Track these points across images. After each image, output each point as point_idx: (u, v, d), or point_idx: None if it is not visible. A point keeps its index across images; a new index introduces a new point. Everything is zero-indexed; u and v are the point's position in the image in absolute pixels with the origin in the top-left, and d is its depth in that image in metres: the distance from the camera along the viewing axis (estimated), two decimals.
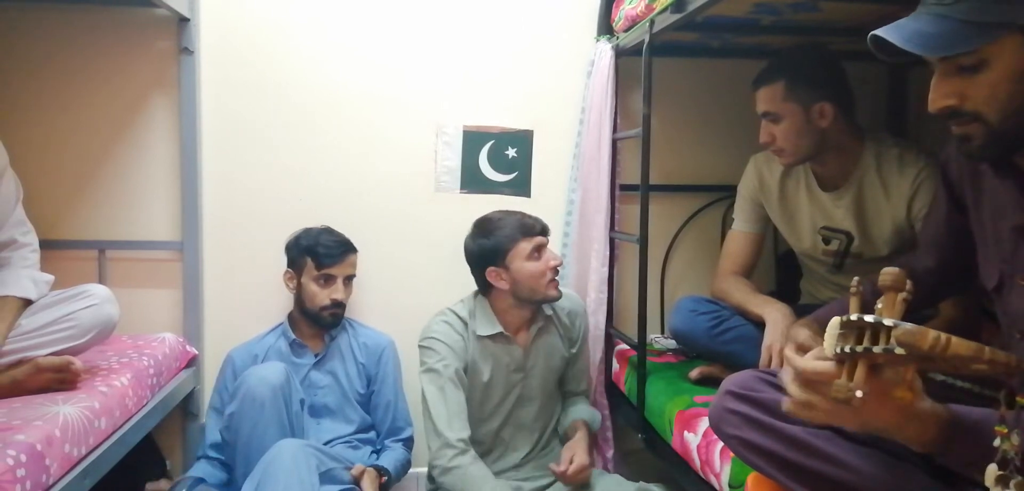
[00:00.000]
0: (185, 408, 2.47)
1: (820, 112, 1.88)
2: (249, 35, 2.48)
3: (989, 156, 1.14)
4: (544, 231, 2.17)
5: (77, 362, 1.85)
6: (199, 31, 2.44)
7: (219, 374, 2.35)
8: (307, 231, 2.35)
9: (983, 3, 1.03)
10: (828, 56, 1.98)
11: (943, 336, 0.92)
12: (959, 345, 0.93)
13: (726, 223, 2.60)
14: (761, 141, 1.97)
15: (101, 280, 2.40)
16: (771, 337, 1.82)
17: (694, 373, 2.09)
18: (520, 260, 2.13)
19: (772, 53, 2.26)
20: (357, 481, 2.09)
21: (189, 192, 2.45)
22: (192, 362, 2.45)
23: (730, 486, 1.53)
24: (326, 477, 2.00)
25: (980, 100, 1.07)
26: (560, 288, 2.21)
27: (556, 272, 2.16)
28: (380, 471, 2.17)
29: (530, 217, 2.19)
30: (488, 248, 2.16)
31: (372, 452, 2.32)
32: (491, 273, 2.16)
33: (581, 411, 2.29)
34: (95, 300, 1.91)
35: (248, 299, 2.52)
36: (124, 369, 2.02)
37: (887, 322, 0.95)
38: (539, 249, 2.14)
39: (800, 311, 2.01)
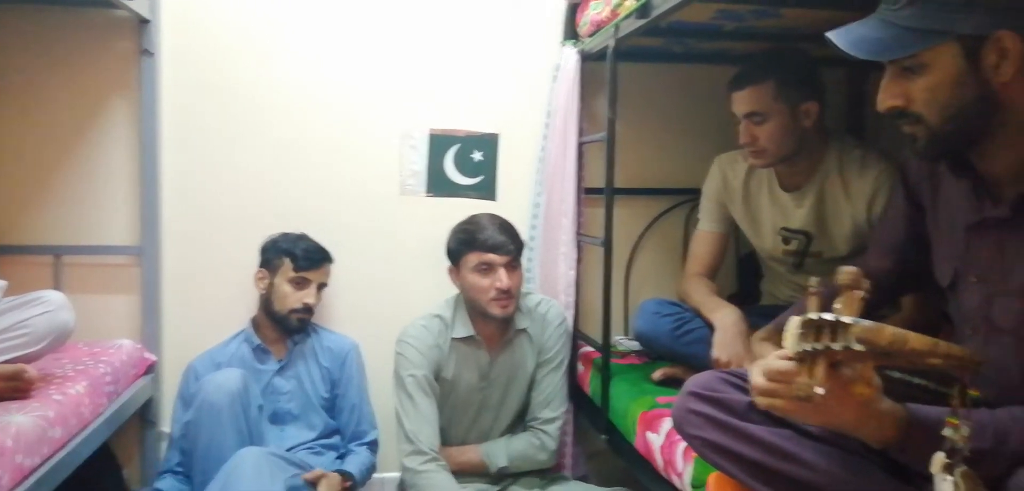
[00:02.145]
0: (143, 416, 2.42)
1: (806, 112, 1.92)
2: (211, 37, 2.45)
3: (933, 155, 1.20)
4: (496, 249, 2.12)
5: (31, 370, 1.80)
6: (160, 33, 2.40)
7: (181, 384, 2.31)
8: (286, 235, 2.34)
9: (925, 11, 1.08)
10: (809, 58, 2.00)
11: (900, 332, 0.95)
12: (915, 340, 0.96)
13: (689, 226, 2.64)
14: (741, 142, 1.98)
15: (57, 286, 2.35)
16: (717, 347, 1.86)
17: (657, 374, 2.10)
18: (467, 270, 2.15)
19: (735, 58, 2.30)
20: (313, 484, 2.07)
21: (148, 196, 2.41)
22: (150, 369, 2.40)
23: (692, 486, 1.55)
24: (291, 484, 1.98)
25: (921, 103, 1.12)
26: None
27: (505, 294, 2.12)
28: (344, 475, 2.16)
29: (493, 232, 2.14)
30: (449, 247, 2.23)
31: (337, 457, 2.30)
32: (451, 271, 2.23)
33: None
34: (50, 306, 1.86)
35: (208, 304, 2.48)
36: (80, 377, 1.97)
37: (846, 320, 0.98)
38: (488, 265, 2.12)
39: (761, 312, 2.04)
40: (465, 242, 2.16)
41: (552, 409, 2.24)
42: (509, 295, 2.14)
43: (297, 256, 2.28)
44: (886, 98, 1.15)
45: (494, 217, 2.21)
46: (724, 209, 2.22)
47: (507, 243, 2.15)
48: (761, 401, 1.12)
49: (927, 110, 1.12)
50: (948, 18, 1.06)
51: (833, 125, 2.23)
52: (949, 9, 1.06)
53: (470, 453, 2.19)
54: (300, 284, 2.29)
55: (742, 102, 1.94)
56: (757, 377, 1.12)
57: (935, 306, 1.65)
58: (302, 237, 2.35)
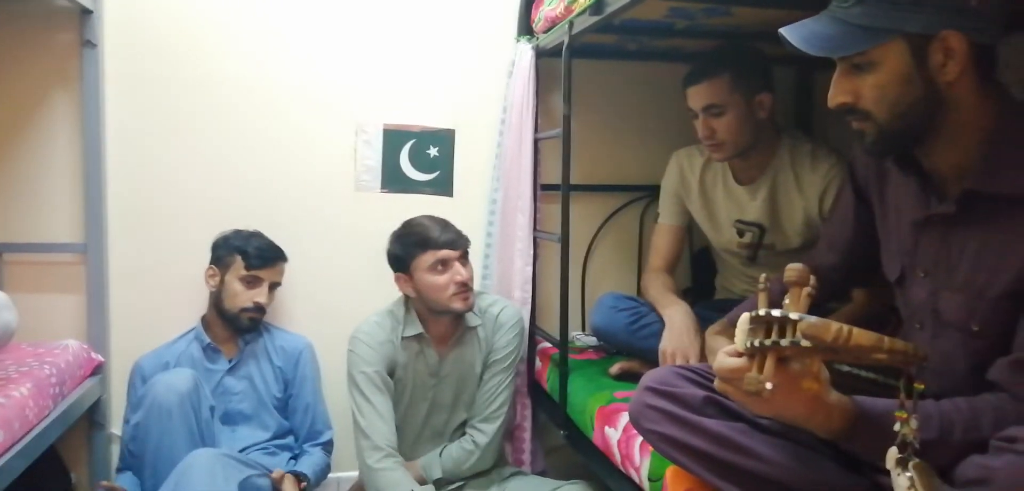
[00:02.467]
0: (91, 418, 2.36)
1: (761, 103, 1.96)
2: (157, 28, 2.38)
3: (881, 152, 1.22)
4: (451, 244, 2.15)
5: None
6: (103, 23, 2.33)
7: (128, 385, 2.26)
8: (239, 232, 2.30)
9: (875, 9, 1.10)
10: (761, 51, 2.04)
11: (845, 328, 0.98)
12: (860, 336, 0.98)
13: (645, 222, 2.66)
14: (700, 136, 2.01)
15: None
16: (665, 340, 1.92)
17: (614, 369, 2.12)
18: (421, 272, 2.15)
19: (687, 56, 2.33)
20: (277, 485, 2.05)
21: (93, 191, 2.34)
22: (98, 370, 2.34)
23: (649, 480, 1.56)
24: (245, 486, 1.95)
25: (870, 100, 1.14)
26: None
27: (464, 287, 2.14)
28: (299, 477, 2.13)
29: (443, 229, 2.17)
30: (394, 255, 2.21)
31: (290, 458, 2.27)
32: (398, 279, 2.21)
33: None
34: None
35: (157, 303, 2.42)
36: (23, 378, 1.91)
37: (793, 316, 1.01)
38: (444, 262, 2.13)
39: (715, 306, 2.08)
40: (416, 244, 2.15)
41: (492, 410, 2.23)
42: (468, 287, 2.16)
43: (249, 254, 2.24)
44: (836, 94, 1.17)
45: (433, 217, 2.23)
46: (681, 204, 2.27)
47: (459, 237, 2.18)
48: (719, 387, 1.16)
49: (876, 107, 1.14)
50: (897, 17, 1.09)
51: (783, 122, 2.28)
52: (898, 8, 1.08)
53: (411, 470, 2.16)
54: (252, 283, 2.25)
55: (699, 96, 1.98)
56: (714, 366, 1.15)
57: (884, 299, 1.70)
58: (255, 235, 2.31)
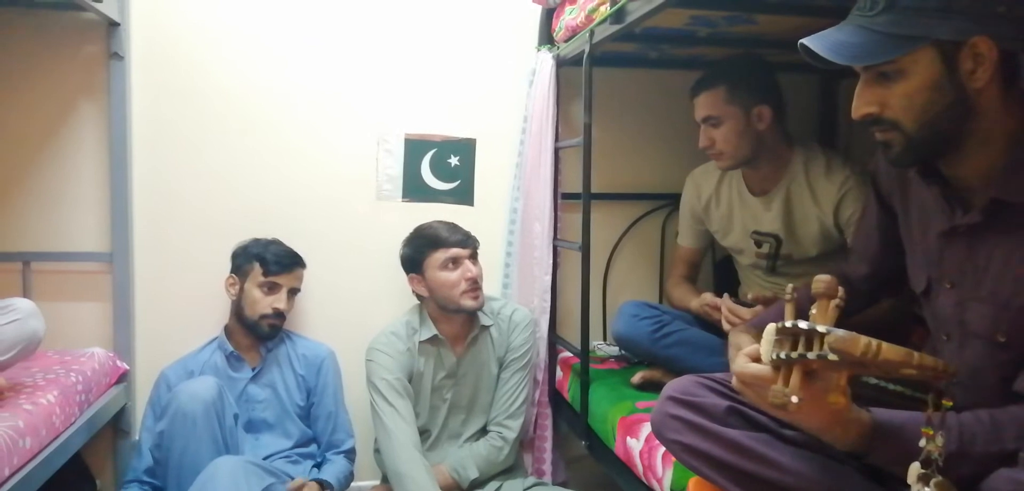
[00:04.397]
0: (116, 425, 2.39)
1: (759, 115, 1.98)
2: (182, 40, 2.41)
3: (907, 162, 1.20)
4: (461, 243, 2.24)
5: (0, 379, 1.77)
6: (129, 36, 2.37)
7: (152, 393, 2.27)
8: (257, 240, 2.32)
9: (902, 17, 1.08)
10: (765, 64, 2.07)
11: (874, 342, 0.96)
12: (889, 351, 0.96)
13: (667, 230, 2.65)
14: (701, 146, 2.05)
15: (26, 293, 2.31)
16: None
17: (636, 378, 2.12)
18: (433, 270, 2.23)
19: (709, 64, 2.31)
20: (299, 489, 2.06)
21: (119, 201, 2.37)
22: (123, 377, 2.37)
23: None
24: None
25: (898, 109, 1.12)
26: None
27: (474, 284, 2.22)
28: (322, 485, 2.14)
29: (450, 229, 2.27)
30: (407, 256, 2.30)
31: (313, 466, 2.28)
32: (412, 280, 2.29)
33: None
34: (19, 314, 1.82)
35: (181, 311, 2.45)
36: (50, 386, 1.94)
37: (820, 329, 0.98)
38: (454, 260, 2.22)
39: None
40: (428, 244, 2.25)
41: (515, 407, 2.30)
42: (478, 284, 2.23)
43: (267, 261, 2.26)
44: (861, 105, 1.15)
45: (442, 220, 2.33)
46: (700, 225, 2.30)
47: (468, 237, 2.27)
48: (737, 387, 1.15)
49: (904, 116, 1.12)
50: (926, 24, 1.07)
51: (803, 132, 2.27)
52: (926, 14, 1.06)
53: (436, 474, 2.16)
54: (270, 289, 2.26)
55: (699, 107, 2.04)
56: (736, 371, 1.13)
57: (910, 309, 1.68)
58: (273, 242, 2.33)
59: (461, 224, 2.32)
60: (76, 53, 2.36)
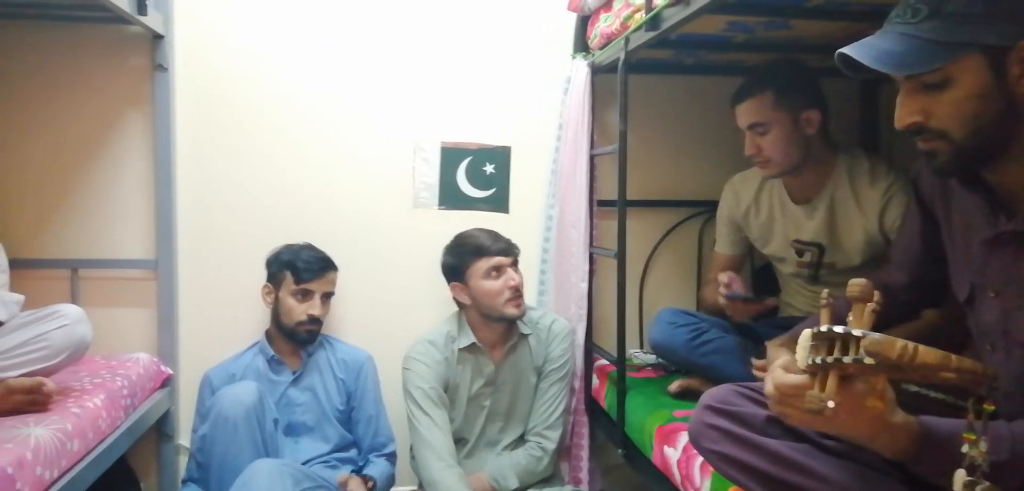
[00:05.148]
0: (160, 429, 2.44)
1: (807, 120, 1.93)
2: (224, 52, 2.47)
3: (955, 172, 1.17)
4: (504, 251, 2.25)
5: (49, 383, 1.82)
6: (173, 48, 2.43)
7: (198, 396, 2.32)
8: (288, 246, 2.35)
9: (948, 23, 1.05)
10: (808, 68, 2.03)
11: (911, 345, 0.94)
12: (927, 354, 0.94)
13: (704, 238, 2.63)
14: (747, 154, 2.00)
15: (74, 300, 2.37)
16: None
17: (673, 387, 2.10)
18: (477, 278, 2.23)
19: (745, 70, 2.30)
20: (344, 487, 2.09)
21: (163, 210, 2.43)
22: (167, 382, 2.42)
23: None
24: None
25: (945, 117, 1.09)
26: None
27: (517, 292, 2.23)
28: (366, 478, 2.17)
29: (493, 238, 2.27)
30: (450, 265, 2.30)
31: (353, 471, 2.30)
32: (454, 288, 2.29)
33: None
34: (67, 320, 1.88)
35: (224, 317, 2.49)
36: (97, 390, 1.99)
37: (856, 333, 0.97)
38: (497, 268, 2.22)
39: (778, 324, 2.04)
40: (471, 253, 2.25)
41: (555, 417, 2.30)
42: (520, 292, 2.24)
43: (298, 269, 2.28)
44: (904, 115, 1.12)
45: (483, 228, 2.33)
46: (739, 232, 2.26)
47: (511, 245, 2.28)
48: (774, 409, 1.12)
49: (952, 125, 1.09)
50: (972, 30, 1.03)
51: (844, 137, 2.22)
52: (973, 20, 1.03)
53: (475, 482, 2.19)
54: (304, 296, 2.29)
55: (744, 114, 1.98)
56: (769, 387, 1.12)
57: (957, 319, 1.64)
58: (305, 247, 2.35)
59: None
60: (122, 66, 2.43)
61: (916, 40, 1.07)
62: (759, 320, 2.09)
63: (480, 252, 2.24)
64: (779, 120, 1.93)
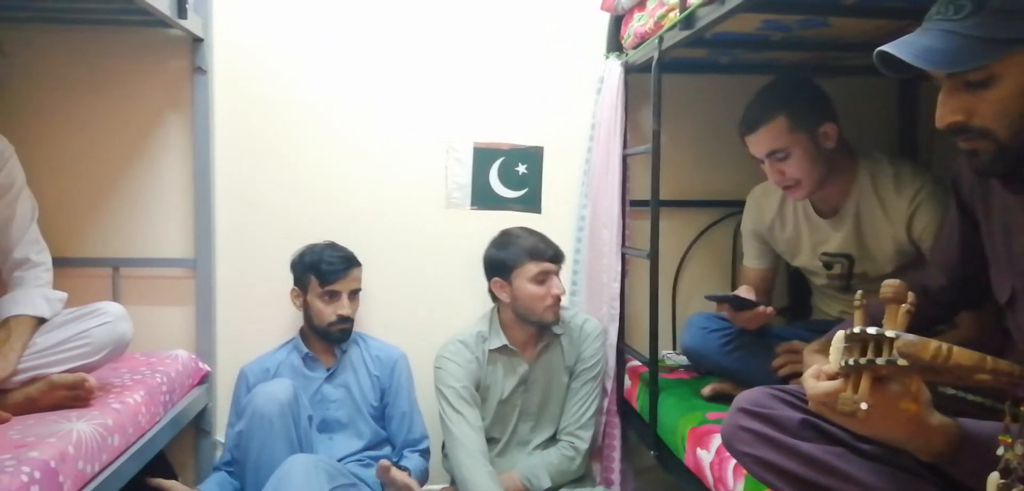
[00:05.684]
0: (198, 425, 2.48)
1: (825, 134, 1.88)
2: (262, 55, 2.51)
3: (998, 171, 1.14)
4: (554, 259, 2.24)
5: (91, 379, 1.86)
6: (213, 51, 2.47)
7: (234, 391, 2.36)
8: (311, 248, 2.36)
9: (992, 19, 1.02)
10: (811, 81, 1.96)
11: (945, 346, 0.93)
12: (961, 355, 0.93)
13: (737, 238, 2.60)
14: (773, 182, 1.96)
15: (115, 297, 2.43)
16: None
17: (707, 390, 2.07)
18: (523, 280, 2.21)
19: (782, 69, 2.26)
20: (385, 474, 2.11)
21: (202, 209, 2.47)
22: (205, 379, 2.46)
23: None
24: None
25: (989, 116, 1.06)
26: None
27: (558, 301, 2.23)
28: (402, 469, 2.19)
29: (545, 243, 2.26)
30: (497, 260, 2.27)
31: None
32: (495, 284, 2.27)
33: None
34: (109, 318, 1.92)
35: (261, 315, 2.53)
36: (137, 386, 2.03)
37: (889, 334, 0.96)
38: (545, 274, 2.21)
39: (812, 327, 2.01)
40: (523, 254, 2.22)
41: (587, 417, 2.30)
42: (560, 302, 2.24)
43: (322, 272, 2.30)
44: (946, 113, 1.09)
45: (531, 229, 2.31)
46: (765, 245, 2.22)
47: (559, 252, 2.26)
48: (814, 408, 1.12)
49: (997, 123, 1.06)
50: (1018, 25, 1.01)
51: (881, 138, 2.18)
52: (1018, 16, 1.01)
53: (507, 481, 2.19)
54: (331, 298, 2.31)
55: (759, 144, 1.91)
56: (809, 394, 1.11)
57: (995, 319, 1.60)
58: (327, 247, 2.36)
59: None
60: (162, 68, 2.48)
61: (959, 37, 1.04)
62: (794, 322, 2.06)
63: (532, 255, 2.21)
64: (798, 142, 1.86)
